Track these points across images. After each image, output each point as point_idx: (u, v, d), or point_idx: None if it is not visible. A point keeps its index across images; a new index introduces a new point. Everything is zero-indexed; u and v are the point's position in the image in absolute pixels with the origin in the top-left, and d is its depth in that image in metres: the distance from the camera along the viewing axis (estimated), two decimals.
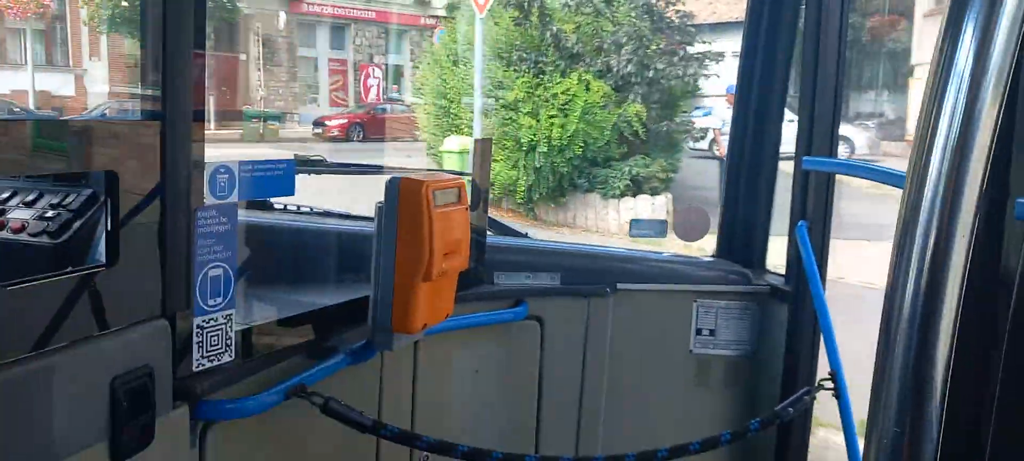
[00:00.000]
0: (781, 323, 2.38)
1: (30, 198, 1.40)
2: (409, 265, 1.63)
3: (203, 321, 1.41)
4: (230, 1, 23.55)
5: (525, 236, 2.62)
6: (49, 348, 1.16)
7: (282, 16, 26.64)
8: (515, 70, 12.00)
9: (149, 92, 1.29)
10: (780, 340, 2.38)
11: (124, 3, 21.81)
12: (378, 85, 24.95)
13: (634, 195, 11.65)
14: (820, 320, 2.19)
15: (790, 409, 2.04)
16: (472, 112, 12.11)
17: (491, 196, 2.29)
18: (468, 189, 1.82)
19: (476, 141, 2.25)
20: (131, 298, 1.29)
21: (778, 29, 2.45)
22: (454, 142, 11.63)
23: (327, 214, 2.46)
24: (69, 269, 1.42)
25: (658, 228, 2.53)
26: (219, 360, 1.46)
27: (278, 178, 1.54)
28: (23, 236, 1.39)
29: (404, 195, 1.63)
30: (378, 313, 1.69)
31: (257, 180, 1.49)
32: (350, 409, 1.62)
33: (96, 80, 24.54)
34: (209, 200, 1.39)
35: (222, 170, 1.41)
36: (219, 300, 1.44)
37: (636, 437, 2.44)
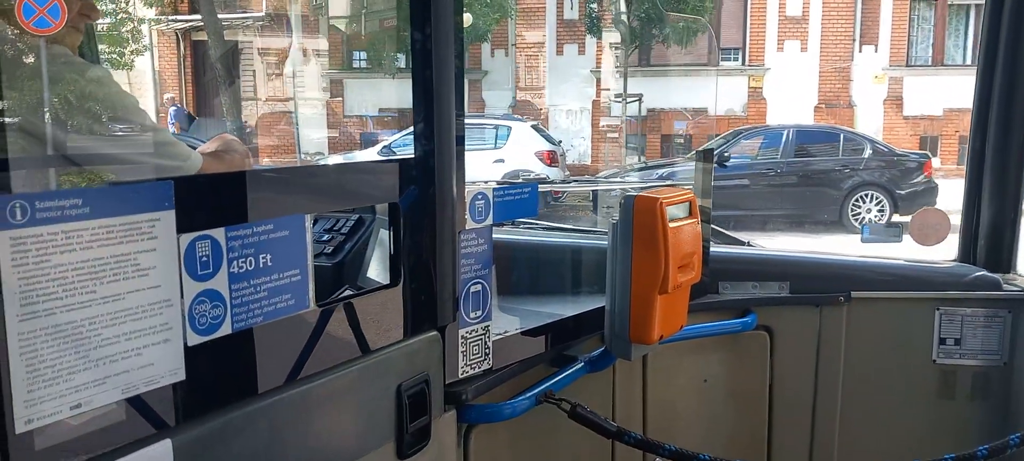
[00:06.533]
0: None
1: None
2: (646, 279, 1.70)
3: (466, 332, 1.57)
4: None
5: (748, 244, 2.60)
6: (354, 358, 1.36)
7: None
8: None
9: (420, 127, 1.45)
10: None
11: None
12: None
13: None
14: None
15: None
16: None
17: None
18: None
19: (697, 152, 2.27)
20: (409, 313, 1.47)
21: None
22: None
23: (554, 228, 2.59)
24: (362, 288, 1.63)
25: (893, 233, 2.42)
26: (479, 368, 1.61)
27: (525, 201, 1.68)
28: None
29: (639, 212, 1.70)
30: (616, 324, 1.77)
31: (508, 203, 1.63)
32: (595, 415, 1.72)
33: None
34: (469, 224, 1.54)
35: (479, 197, 1.56)
36: (479, 313, 1.59)
37: (875, 450, 2.35)
